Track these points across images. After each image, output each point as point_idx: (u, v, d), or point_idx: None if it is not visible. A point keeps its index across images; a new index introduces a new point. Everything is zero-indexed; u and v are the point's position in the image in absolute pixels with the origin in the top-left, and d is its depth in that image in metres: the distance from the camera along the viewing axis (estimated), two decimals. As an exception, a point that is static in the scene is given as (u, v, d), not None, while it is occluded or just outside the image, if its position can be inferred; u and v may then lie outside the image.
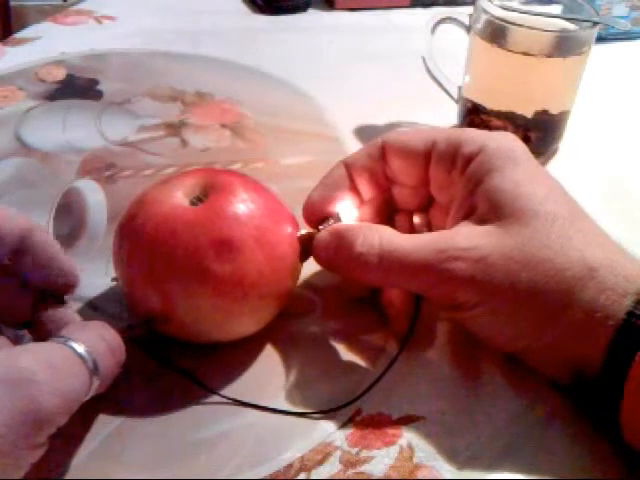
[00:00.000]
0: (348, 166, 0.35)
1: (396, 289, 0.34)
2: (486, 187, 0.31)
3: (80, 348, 0.25)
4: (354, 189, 0.35)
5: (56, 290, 0.29)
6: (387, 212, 0.36)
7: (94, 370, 0.25)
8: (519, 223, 0.30)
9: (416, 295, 0.33)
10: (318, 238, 0.33)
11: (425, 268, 0.30)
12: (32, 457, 0.24)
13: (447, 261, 0.29)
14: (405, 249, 0.30)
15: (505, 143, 0.32)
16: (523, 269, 0.29)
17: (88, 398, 0.25)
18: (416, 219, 0.36)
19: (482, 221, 0.30)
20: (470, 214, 0.31)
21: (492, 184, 0.31)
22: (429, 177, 0.34)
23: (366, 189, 0.35)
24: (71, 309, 0.29)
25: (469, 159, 0.32)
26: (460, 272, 0.29)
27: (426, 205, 0.36)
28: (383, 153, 0.34)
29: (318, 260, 0.33)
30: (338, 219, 0.34)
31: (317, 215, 0.34)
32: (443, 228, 0.33)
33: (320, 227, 0.33)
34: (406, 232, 0.32)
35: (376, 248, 0.31)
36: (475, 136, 0.33)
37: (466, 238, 0.30)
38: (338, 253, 0.32)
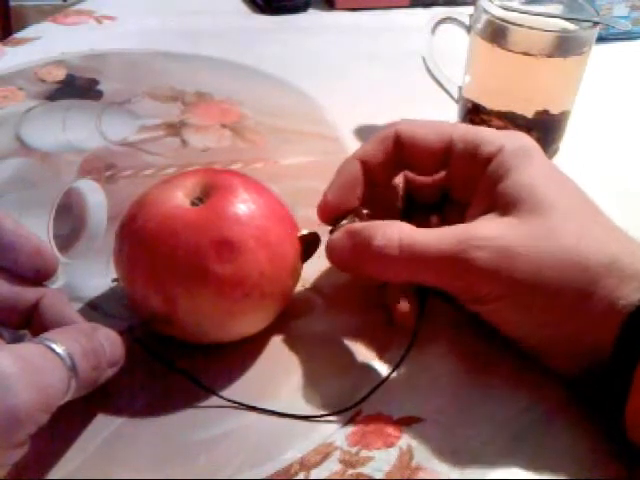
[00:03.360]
0: (362, 162, 0.35)
1: (399, 289, 0.34)
2: (505, 184, 0.31)
3: (57, 347, 0.24)
4: (369, 186, 0.35)
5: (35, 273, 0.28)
6: (402, 210, 0.36)
7: (72, 368, 0.24)
8: (539, 214, 0.30)
9: (420, 295, 0.33)
10: (332, 238, 0.33)
11: (446, 259, 0.30)
12: (12, 456, 0.23)
13: (468, 251, 0.29)
14: (425, 241, 0.30)
15: (521, 142, 0.33)
16: (546, 258, 0.29)
17: (67, 399, 0.25)
18: (432, 218, 0.36)
19: (502, 215, 0.31)
20: (489, 211, 0.31)
21: (510, 181, 0.31)
22: (447, 175, 0.34)
23: (381, 186, 0.35)
24: (72, 309, 0.29)
25: (489, 159, 0.32)
26: (482, 262, 0.29)
27: (441, 201, 0.36)
28: (398, 148, 0.34)
29: (332, 260, 0.33)
30: (353, 219, 0.34)
31: (333, 215, 0.34)
32: None
33: (338, 225, 0.33)
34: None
35: (396, 241, 0.30)
36: (492, 136, 0.33)
37: (486, 228, 0.30)
38: (355, 251, 0.32)
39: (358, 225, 0.33)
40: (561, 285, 0.29)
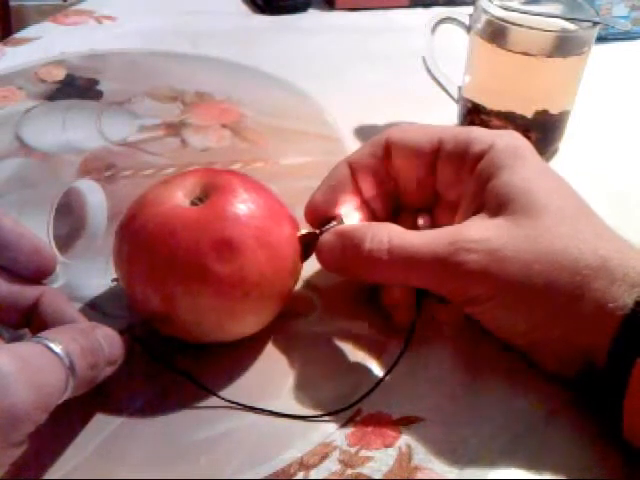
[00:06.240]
0: (352, 166, 0.35)
1: (396, 288, 0.34)
2: (495, 183, 0.31)
3: (55, 346, 0.24)
4: (357, 190, 0.35)
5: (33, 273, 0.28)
6: (391, 212, 0.36)
7: (70, 367, 0.24)
8: (529, 216, 0.30)
9: (417, 293, 0.33)
10: (322, 240, 0.33)
11: (436, 262, 0.30)
12: (10, 456, 0.23)
13: (458, 253, 0.29)
14: (415, 244, 0.30)
15: (513, 141, 0.33)
16: (536, 261, 0.29)
17: (65, 398, 0.25)
18: (420, 220, 0.36)
19: (492, 216, 0.30)
20: (479, 210, 0.31)
21: (501, 180, 0.31)
22: (436, 176, 0.34)
23: (369, 189, 0.35)
24: (72, 307, 0.29)
25: (479, 157, 0.32)
26: (472, 264, 0.29)
27: (430, 203, 0.36)
28: (387, 152, 0.34)
29: (322, 262, 0.33)
30: (341, 221, 0.34)
31: (320, 217, 0.34)
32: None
33: (323, 229, 0.33)
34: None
35: (385, 244, 0.30)
36: (483, 135, 0.33)
37: (477, 230, 0.30)
38: (345, 253, 0.32)
39: (348, 227, 0.33)
40: (550, 288, 0.29)
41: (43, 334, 0.25)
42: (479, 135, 0.33)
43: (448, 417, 0.30)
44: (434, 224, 0.36)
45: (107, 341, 0.27)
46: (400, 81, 0.58)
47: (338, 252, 0.32)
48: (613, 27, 0.50)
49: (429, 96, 0.53)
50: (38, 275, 0.29)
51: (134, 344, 0.30)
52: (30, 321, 0.28)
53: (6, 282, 0.28)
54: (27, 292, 0.28)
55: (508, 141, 0.32)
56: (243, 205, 0.30)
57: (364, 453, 0.29)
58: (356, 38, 0.66)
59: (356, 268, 0.32)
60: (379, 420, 0.30)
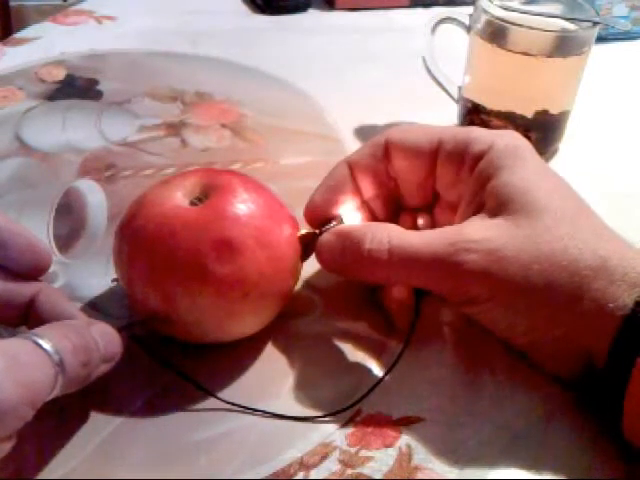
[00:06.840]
0: (351, 166, 0.35)
1: (395, 288, 0.34)
2: (495, 183, 0.31)
3: (45, 343, 0.24)
4: (357, 190, 0.35)
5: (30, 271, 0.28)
6: (391, 212, 0.36)
7: (59, 364, 0.24)
8: (529, 216, 0.30)
9: (416, 293, 0.33)
10: (322, 240, 0.33)
11: (436, 262, 0.30)
12: None
13: (458, 253, 0.29)
14: (415, 244, 0.30)
15: (512, 141, 0.33)
16: (535, 261, 0.29)
17: (55, 395, 0.24)
18: (420, 221, 0.36)
19: (492, 216, 0.30)
20: (479, 210, 0.31)
21: (501, 180, 0.31)
22: (435, 176, 0.34)
23: (369, 189, 0.35)
24: (69, 303, 0.29)
25: (478, 157, 0.32)
26: (472, 265, 0.29)
27: (430, 203, 0.36)
28: (387, 152, 0.34)
29: (322, 262, 0.33)
30: (341, 222, 0.34)
31: (319, 218, 0.34)
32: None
33: (322, 229, 0.33)
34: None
35: (385, 244, 0.30)
36: (483, 135, 0.33)
37: (476, 230, 0.30)
38: (345, 253, 0.32)
39: (348, 227, 0.33)
40: (550, 288, 0.29)
41: (34, 331, 0.25)
42: (479, 135, 0.33)
43: (448, 417, 0.30)
44: (434, 224, 0.36)
45: (104, 338, 0.27)
46: (400, 81, 0.58)
47: (338, 252, 0.32)
48: (613, 27, 0.50)
49: (429, 96, 0.53)
50: (33, 272, 0.29)
51: (134, 345, 0.30)
52: (28, 319, 0.28)
53: (1, 279, 0.28)
54: (23, 289, 0.28)
55: (508, 141, 0.32)
56: (243, 205, 0.30)
57: (364, 453, 0.29)
58: (356, 38, 0.66)
59: (356, 268, 0.32)
60: (379, 420, 0.30)
